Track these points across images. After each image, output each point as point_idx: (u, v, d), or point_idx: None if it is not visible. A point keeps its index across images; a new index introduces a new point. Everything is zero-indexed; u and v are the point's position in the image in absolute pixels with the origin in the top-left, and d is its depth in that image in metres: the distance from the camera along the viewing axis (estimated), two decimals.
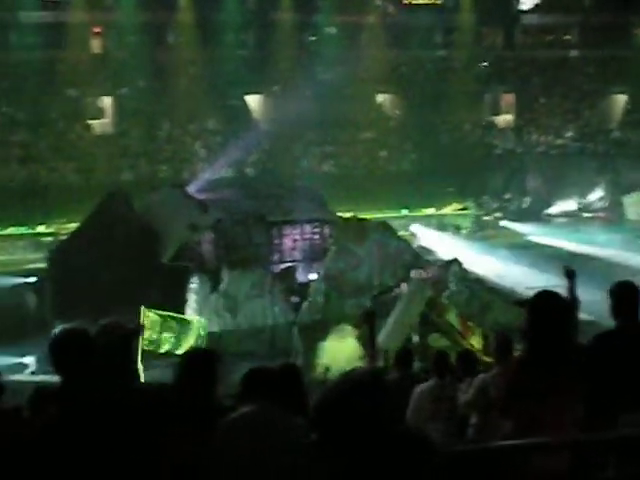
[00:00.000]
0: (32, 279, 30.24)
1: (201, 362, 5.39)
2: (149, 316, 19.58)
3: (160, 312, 20.22)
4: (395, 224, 31.42)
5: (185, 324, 20.99)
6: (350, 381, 3.60)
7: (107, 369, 4.76)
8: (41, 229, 36.60)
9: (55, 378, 4.65)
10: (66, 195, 36.68)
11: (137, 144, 43.41)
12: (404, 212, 39.45)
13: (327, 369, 17.01)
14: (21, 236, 36.46)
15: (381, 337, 24.02)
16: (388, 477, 3.47)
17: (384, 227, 28.83)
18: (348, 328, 24.33)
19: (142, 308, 19.40)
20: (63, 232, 33.24)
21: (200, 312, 25.88)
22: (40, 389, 8.79)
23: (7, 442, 5.13)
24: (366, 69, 46.84)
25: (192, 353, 5.80)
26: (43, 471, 3.95)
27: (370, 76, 47.00)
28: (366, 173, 43.96)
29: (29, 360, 24.31)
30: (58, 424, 4.02)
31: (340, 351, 22.86)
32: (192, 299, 26.11)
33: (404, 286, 26.43)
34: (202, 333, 21.32)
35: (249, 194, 30.88)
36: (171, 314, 20.60)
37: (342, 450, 3.44)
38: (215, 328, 25.78)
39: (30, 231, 36.52)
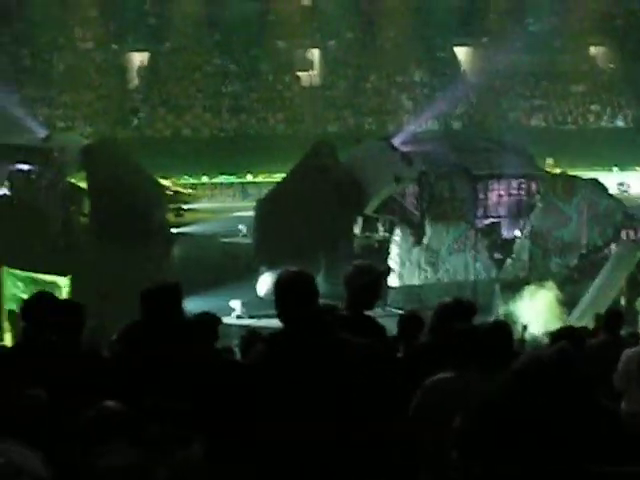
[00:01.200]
0: (240, 226, 31.21)
1: (459, 314, 5.45)
2: (13, 274, 18.00)
3: (25, 273, 18.45)
4: (606, 182, 30.23)
5: (51, 285, 17.59)
6: (548, 353, 3.74)
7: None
8: (249, 178, 37.64)
9: (261, 322, 4.71)
10: (273, 145, 37.47)
11: (343, 96, 43.79)
12: (616, 170, 38.02)
13: (525, 327, 16.64)
14: (230, 185, 37.65)
15: (587, 298, 23.42)
16: (574, 445, 3.54)
17: (594, 184, 27.86)
18: (550, 287, 23.82)
19: (3, 268, 17.48)
20: (270, 181, 34.00)
21: (402, 264, 25.95)
22: (253, 332, 9.00)
23: (217, 382, 5.28)
24: (579, 20, 45.20)
25: (451, 303, 5.78)
26: (244, 411, 3.99)
27: (583, 27, 45.34)
28: (576, 128, 42.73)
29: (235, 304, 25.08)
30: (265, 365, 4.03)
31: (540, 310, 22.44)
32: (394, 251, 26.18)
33: (613, 247, 25.63)
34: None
35: (454, 147, 30.45)
36: (34, 275, 18.69)
37: (536, 415, 3.57)
38: (416, 281, 25.82)
39: (239, 180, 37.63)
